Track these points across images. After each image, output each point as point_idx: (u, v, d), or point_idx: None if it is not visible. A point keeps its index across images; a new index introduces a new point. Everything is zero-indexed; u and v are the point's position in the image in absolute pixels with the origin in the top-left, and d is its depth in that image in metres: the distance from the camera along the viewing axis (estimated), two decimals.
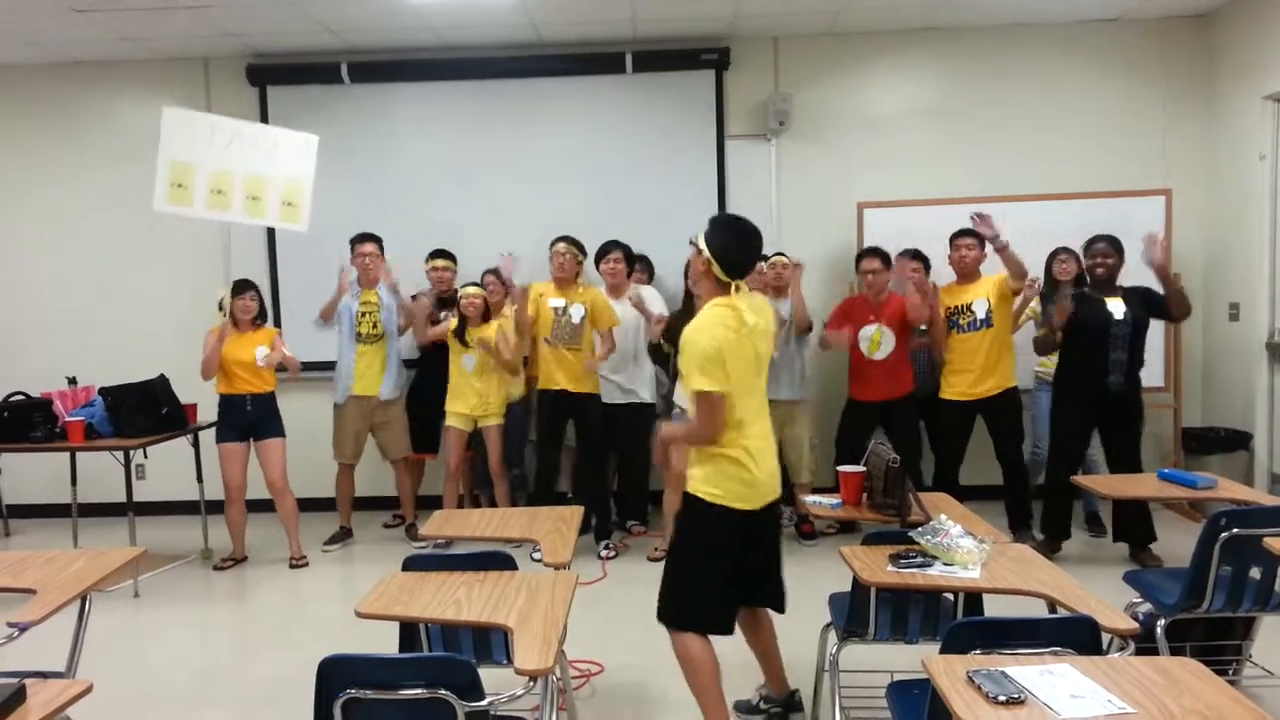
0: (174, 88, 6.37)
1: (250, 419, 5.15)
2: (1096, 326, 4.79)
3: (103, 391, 5.12)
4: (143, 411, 5.10)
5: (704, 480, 2.82)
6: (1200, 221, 6.05)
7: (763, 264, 5.19)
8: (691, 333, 2.73)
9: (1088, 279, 5.01)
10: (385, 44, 6.13)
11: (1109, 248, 4.85)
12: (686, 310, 4.30)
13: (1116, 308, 4.80)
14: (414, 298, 5.71)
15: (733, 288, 2.76)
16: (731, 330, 2.72)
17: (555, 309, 5.22)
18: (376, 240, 5.53)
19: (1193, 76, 6.04)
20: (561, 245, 5.24)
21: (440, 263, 5.78)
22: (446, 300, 5.74)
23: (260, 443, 5.19)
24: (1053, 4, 5.72)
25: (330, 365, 5.61)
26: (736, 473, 2.79)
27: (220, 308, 5.11)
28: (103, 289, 6.50)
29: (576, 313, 5.20)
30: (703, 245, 2.78)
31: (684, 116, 6.21)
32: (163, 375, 5.31)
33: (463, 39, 6.06)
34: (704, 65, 6.14)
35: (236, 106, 6.32)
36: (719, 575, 2.85)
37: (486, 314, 5.41)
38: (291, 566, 5.25)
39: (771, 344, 2.92)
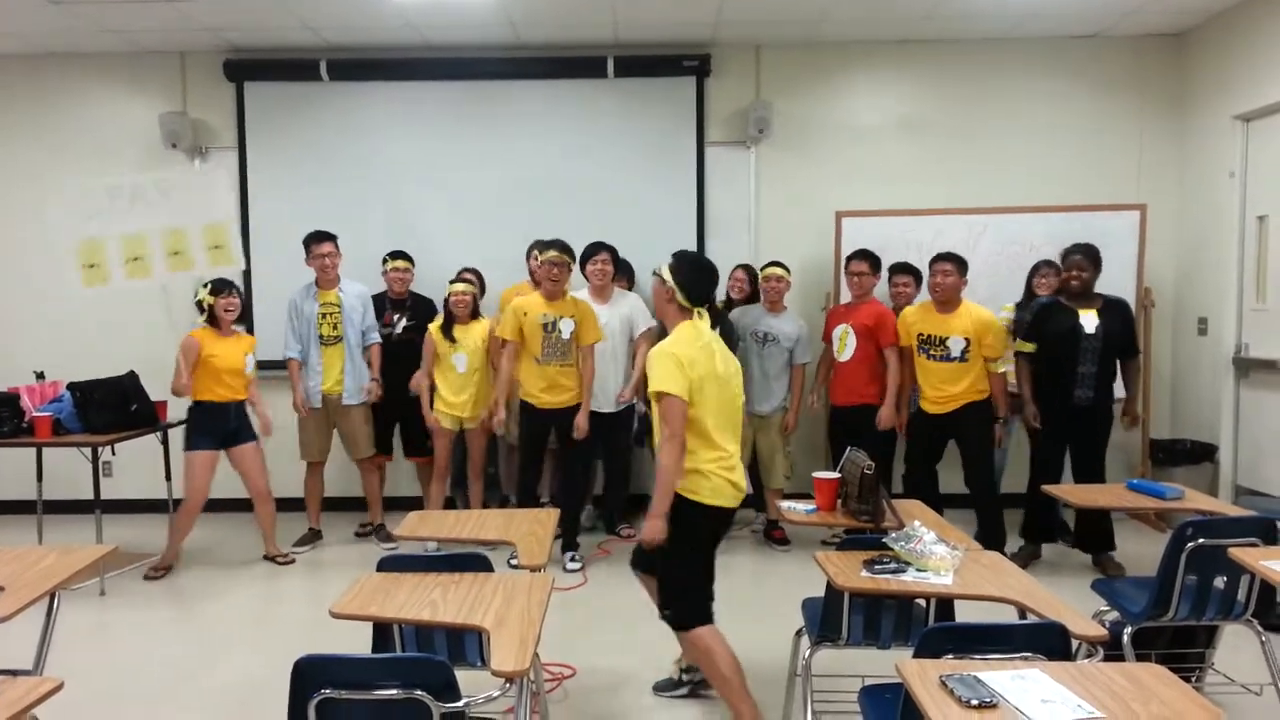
0: (151, 81, 6.31)
1: (232, 427, 5.06)
2: (1066, 338, 4.80)
3: (71, 387, 5.03)
4: (112, 408, 5.01)
5: (686, 485, 3.04)
6: (1172, 237, 6.14)
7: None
8: (658, 348, 3.05)
9: (1064, 292, 4.95)
10: (365, 42, 6.10)
11: (1084, 260, 4.82)
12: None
13: (1089, 320, 4.79)
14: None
15: (695, 313, 3.11)
16: (697, 347, 3.01)
17: (544, 324, 4.89)
18: (333, 239, 5.41)
19: (1166, 94, 6.15)
20: (554, 253, 4.86)
21: (400, 264, 5.64)
22: (399, 303, 5.67)
23: (239, 448, 5.08)
24: (1031, 19, 5.80)
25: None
26: (710, 482, 3.04)
27: (201, 308, 4.97)
28: (73, 283, 6.38)
29: (567, 327, 4.89)
30: (667, 276, 3.13)
31: (665, 122, 6.23)
32: (132, 372, 5.24)
33: (443, 39, 6.04)
34: (685, 72, 6.15)
35: (213, 102, 6.29)
36: (706, 566, 3.16)
37: (475, 311, 5.34)
38: (279, 563, 5.23)
39: (733, 363, 3.17)
